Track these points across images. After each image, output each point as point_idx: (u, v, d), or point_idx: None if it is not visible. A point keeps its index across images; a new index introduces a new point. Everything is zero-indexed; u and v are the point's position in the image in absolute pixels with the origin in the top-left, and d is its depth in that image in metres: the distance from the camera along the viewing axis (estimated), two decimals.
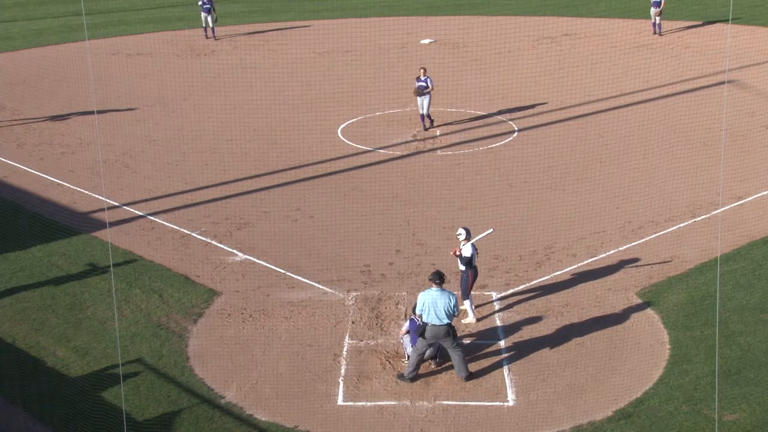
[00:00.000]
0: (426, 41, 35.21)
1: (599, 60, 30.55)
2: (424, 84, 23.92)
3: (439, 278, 13.15)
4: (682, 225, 18.33)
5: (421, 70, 24.16)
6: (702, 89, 26.98)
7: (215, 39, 36.08)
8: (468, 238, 14.89)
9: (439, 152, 23.26)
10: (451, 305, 13.06)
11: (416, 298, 13.33)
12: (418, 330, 13.30)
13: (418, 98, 24.18)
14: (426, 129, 24.30)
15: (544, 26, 35.83)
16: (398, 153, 23.23)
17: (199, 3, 36.05)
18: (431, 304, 13.00)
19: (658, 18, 34.25)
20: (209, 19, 36.07)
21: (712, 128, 23.04)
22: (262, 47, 35.29)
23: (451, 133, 24.55)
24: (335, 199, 20.18)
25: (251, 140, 24.42)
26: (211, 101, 28.16)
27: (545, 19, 37.24)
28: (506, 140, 23.97)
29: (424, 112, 24.22)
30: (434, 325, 13.03)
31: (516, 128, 24.79)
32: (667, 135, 23.68)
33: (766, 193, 19.76)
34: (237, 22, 39.63)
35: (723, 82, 25.18)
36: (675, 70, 29.27)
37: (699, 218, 18.57)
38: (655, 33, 34.22)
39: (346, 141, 24.22)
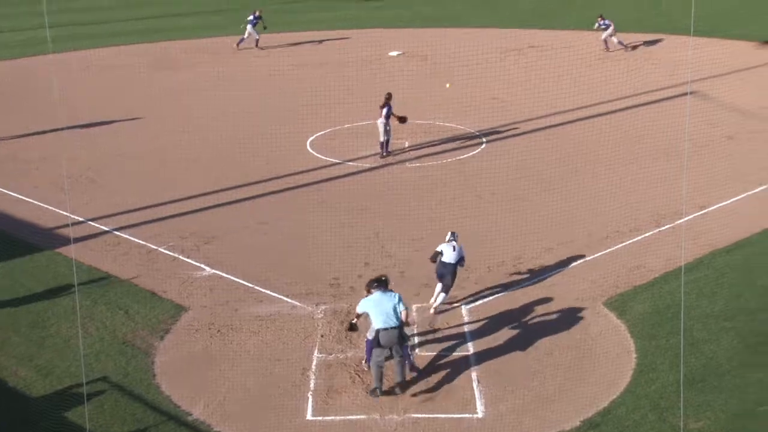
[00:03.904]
0: (394, 53, 35.27)
1: (565, 72, 30.78)
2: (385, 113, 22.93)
3: (380, 283, 13.20)
4: (647, 234, 18.49)
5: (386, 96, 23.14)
6: (665, 100, 27.27)
7: (260, 48, 35.93)
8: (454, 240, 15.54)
9: (407, 164, 23.24)
10: (396, 303, 13.04)
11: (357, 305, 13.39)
12: (373, 342, 13.17)
13: (384, 125, 23.10)
14: (384, 156, 23.36)
15: (511, 39, 36.07)
16: (367, 165, 23.19)
17: (249, 18, 35.94)
18: (376, 307, 12.99)
19: (611, 37, 34.54)
20: (253, 30, 35.86)
21: (675, 139, 23.22)
22: (232, 60, 35.12)
23: (420, 144, 24.57)
24: (304, 212, 20.07)
25: (219, 154, 24.25)
26: (179, 115, 27.97)
27: (512, 31, 37.43)
28: (474, 152, 24.03)
29: (381, 138, 23.25)
30: (386, 329, 12.95)
31: (484, 140, 24.88)
32: (632, 146, 23.90)
33: (728, 202, 20.00)
34: (210, 34, 39.34)
35: (685, 94, 25.45)
36: (639, 81, 29.58)
37: (663, 228, 18.74)
38: (608, 50, 34.55)
39: (315, 153, 24.14)
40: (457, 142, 24.78)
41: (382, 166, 23.14)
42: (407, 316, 13.35)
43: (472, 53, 33.05)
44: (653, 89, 28.60)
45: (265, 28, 36.26)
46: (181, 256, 18.05)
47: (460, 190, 21.32)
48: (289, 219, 19.77)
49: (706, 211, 19.48)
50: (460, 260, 15.49)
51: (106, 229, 19.41)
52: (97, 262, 17.69)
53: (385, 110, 23.17)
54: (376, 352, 13.12)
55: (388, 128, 23.35)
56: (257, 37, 36.19)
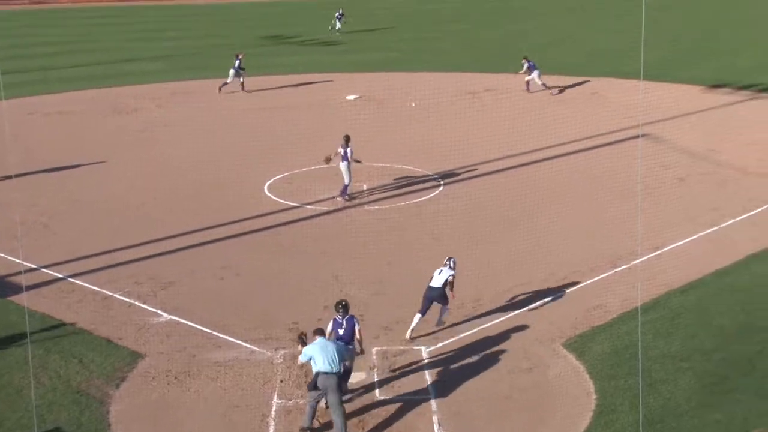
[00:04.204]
0: (351, 97, 35.59)
1: (520, 114, 31.34)
2: (345, 155, 23.14)
3: (321, 333, 13.67)
4: (604, 275, 18.73)
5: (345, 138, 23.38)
6: (618, 142, 27.92)
7: (245, 91, 36.29)
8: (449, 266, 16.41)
9: (366, 207, 23.32)
10: (340, 352, 13.44)
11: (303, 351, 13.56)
12: (310, 384, 13.47)
13: (347, 168, 23.28)
14: (347, 199, 23.56)
15: (467, 82, 36.69)
16: (325, 208, 23.22)
17: (235, 63, 36.19)
18: (320, 351, 13.27)
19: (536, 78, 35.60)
20: (235, 75, 36.13)
21: (628, 180, 23.71)
22: (186, 104, 35.10)
23: (378, 187, 24.70)
24: (263, 256, 20.00)
25: (176, 198, 24.10)
26: (135, 159, 27.78)
27: (468, 75, 38.14)
28: (431, 194, 24.22)
29: (346, 182, 23.43)
30: (326, 374, 13.18)
31: (441, 182, 25.10)
32: (588, 187, 24.33)
33: (681, 243, 20.40)
34: (160, 79, 39.40)
35: (637, 136, 26.06)
36: (593, 124, 30.21)
37: (619, 268, 19.01)
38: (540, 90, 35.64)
39: (273, 197, 24.10)
40: (415, 184, 24.96)
41: (341, 209, 23.20)
42: (361, 336, 14.21)
43: (430, 96, 33.59)
44: (607, 131, 29.24)
45: (243, 69, 36.31)
46: (137, 302, 17.81)
47: (418, 232, 21.44)
48: (247, 263, 19.65)
49: (660, 252, 19.83)
50: (446, 285, 16.22)
51: (60, 276, 19.09)
52: (51, 309, 17.36)
53: (349, 153, 23.28)
54: (311, 393, 13.38)
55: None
56: (242, 80, 36.30)
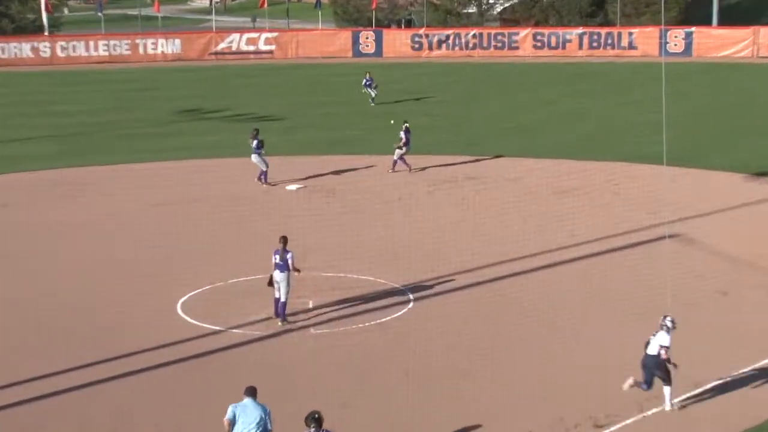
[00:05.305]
0: (293, 187, 35.66)
1: (511, 209, 31.51)
2: (282, 263, 22.97)
3: (252, 393, 15.73)
4: (628, 421, 18.40)
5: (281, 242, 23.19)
6: (638, 245, 28.05)
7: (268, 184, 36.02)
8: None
9: (312, 330, 23.08)
10: (265, 417, 15.50)
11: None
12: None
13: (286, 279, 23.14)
14: (283, 321, 23.32)
15: (442, 167, 36.99)
16: (258, 333, 22.88)
17: (253, 144, 35.90)
18: (242, 412, 15.49)
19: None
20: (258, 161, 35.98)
21: (653, 296, 23.50)
22: (74, 198, 34.86)
23: (328, 304, 24.41)
24: (174, 399, 19.65)
25: (51, 324, 23.53)
26: None
27: (442, 158, 38.41)
28: (399, 312, 24.05)
29: (284, 298, 23.23)
30: None
31: (411, 297, 24.96)
32: (599, 304, 24.22)
33: (729, 378, 20.09)
34: (38, 167, 39.05)
35: (663, 237, 26.16)
36: (604, 220, 30.45)
37: (648, 412, 18.66)
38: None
39: (189, 319, 23.76)
40: (378, 300, 24.77)
41: (278, 334, 22.84)
42: None
43: (395, 186, 33.70)
44: (622, 231, 29.40)
45: (261, 146, 36.01)
46: None
47: (381, 363, 21.18)
48: (151, 409, 19.22)
49: (702, 389, 19.55)
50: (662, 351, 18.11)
51: None
52: None
53: (289, 259, 22.92)
54: None
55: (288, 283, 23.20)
56: (264, 169, 36.08)
